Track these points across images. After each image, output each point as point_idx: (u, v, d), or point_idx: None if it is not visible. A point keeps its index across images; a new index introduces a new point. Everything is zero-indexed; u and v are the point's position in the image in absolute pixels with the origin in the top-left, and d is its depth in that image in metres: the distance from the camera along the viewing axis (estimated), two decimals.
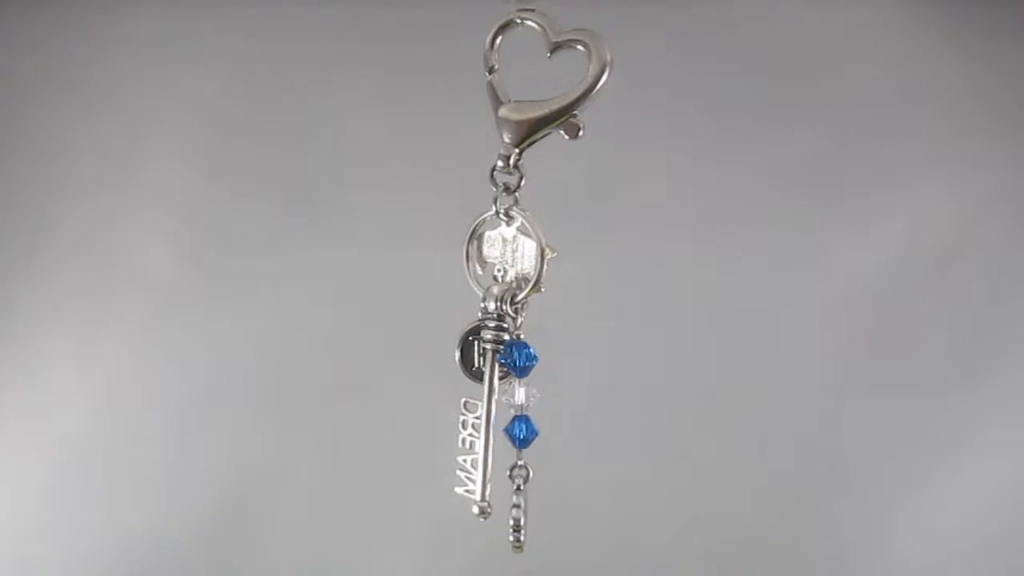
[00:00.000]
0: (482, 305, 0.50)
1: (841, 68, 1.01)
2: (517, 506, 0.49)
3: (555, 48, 0.49)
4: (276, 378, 1.02)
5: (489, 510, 0.49)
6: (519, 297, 0.50)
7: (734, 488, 1.01)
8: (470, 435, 0.50)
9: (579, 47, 0.48)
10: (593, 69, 0.48)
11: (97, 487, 1.01)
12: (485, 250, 0.51)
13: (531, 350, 0.49)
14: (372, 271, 1.01)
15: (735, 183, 1.01)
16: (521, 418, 0.50)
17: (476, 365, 0.51)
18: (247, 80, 1.02)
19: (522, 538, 0.49)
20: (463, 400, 0.50)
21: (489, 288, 0.50)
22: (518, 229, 0.51)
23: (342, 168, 1.02)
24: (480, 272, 0.51)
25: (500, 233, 0.51)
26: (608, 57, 0.47)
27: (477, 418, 0.49)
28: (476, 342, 0.50)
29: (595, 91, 0.47)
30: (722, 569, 1.01)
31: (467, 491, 0.49)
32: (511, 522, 0.49)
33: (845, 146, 1.01)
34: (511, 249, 0.51)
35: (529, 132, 0.49)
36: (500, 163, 0.49)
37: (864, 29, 1.01)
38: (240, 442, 1.02)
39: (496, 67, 0.48)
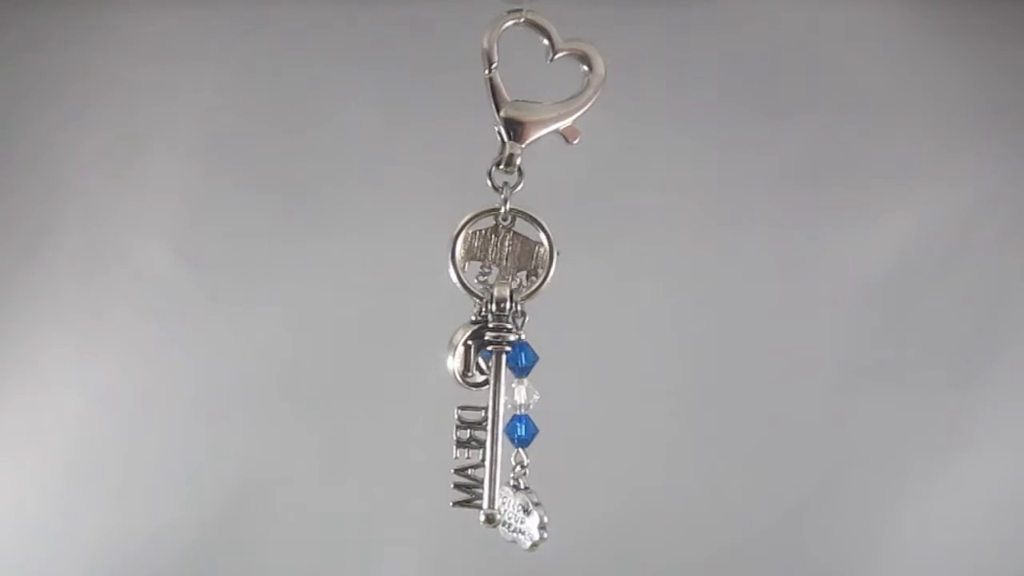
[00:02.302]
0: (486, 307, 0.49)
1: (842, 68, 1.01)
2: (539, 504, 0.49)
3: (557, 54, 0.49)
4: (276, 378, 1.01)
5: (499, 516, 0.48)
6: (524, 296, 0.50)
7: (734, 488, 1.01)
8: (470, 442, 0.49)
9: (583, 63, 0.49)
10: (595, 81, 0.49)
11: (97, 487, 1.01)
12: (473, 250, 0.50)
13: (531, 350, 0.49)
14: (372, 271, 1.01)
15: (735, 183, 1.01)
16: (521, 418, 0.50)
17: (471, 371, 0.50)
18: (247, 79, 1.02)
19: (546, 535, 0.48)
20: (459, 408, 0.49)
21: (491, 289, 0.49)
22: (515, 229, 0.50)
23: (342, 168, 1.02)
24: (464, 271, 0.50)
25: (490, 232, 0.50)
26: (605, 70, 0.48)
27: (478, 424, 0.49)
28: (471, 347, 0.49)
29: (594, 100, 0.49)
30: (722, 569, 1.01)
31: (464, 503, 0.49)
32: (537, 520, 0.48)
33: (845, 146, 1.01)
34: (501, 248, 0.50)
35: (535, 133, 0.49)
36: (504, 162, 0.49)
37: (864, 29, 1.01)
38: (240, 442, 1.01)
39: (496, 64, 0.48)
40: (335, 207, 1.02)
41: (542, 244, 0.50)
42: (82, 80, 1.01)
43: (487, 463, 0.48)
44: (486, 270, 0.50)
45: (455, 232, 0.50)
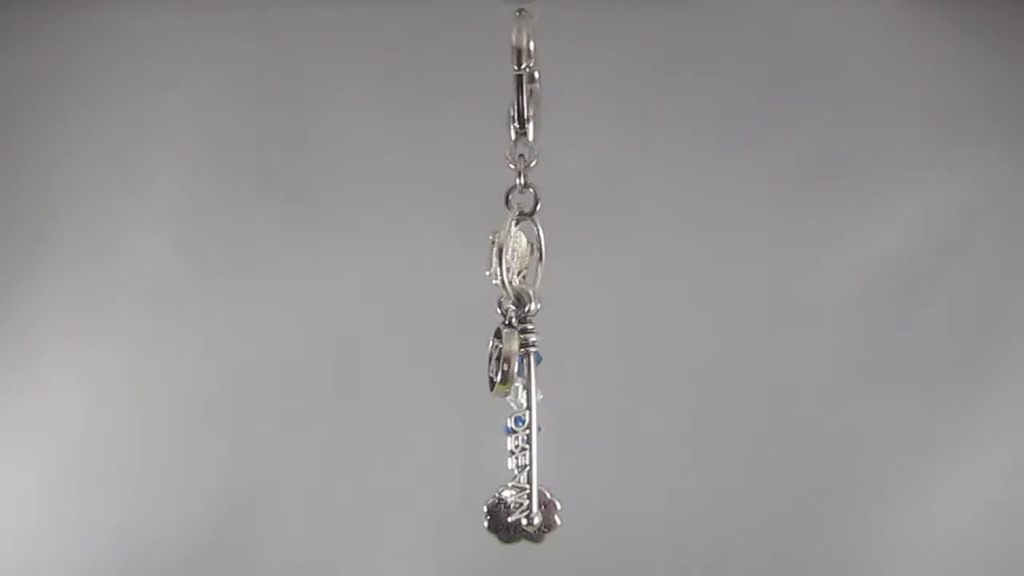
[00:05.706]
0: (523, 309, 0.49)
1: (841, 68, 1.02)
2: (552, 495, 0.50)
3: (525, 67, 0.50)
4: (277, 378, 1.01)
5: (537, 519, 0.49)
6: (536, 293, 0.50)
7: (734, 487, 1.01)
8: (520, 451, 0.49)
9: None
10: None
11: (97, 488, 1.00)
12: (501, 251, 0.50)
13: (537, 351, 0.50)
14: (374, 270, 1.01)
15: (735, 182, 1.01)
16: (522, 418, 0.50)
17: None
18: (247, 77, 1.02)
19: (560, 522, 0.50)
20: (512, 419, 0.49)
21: (525, 291, 0.49)
22: (519, 228, 0.51)
23: (344, 167, 1.02)
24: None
25: (508, 233, 0.50)
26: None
27: (527, 431, 0.49)
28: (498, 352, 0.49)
29: None
30: (722, 569, 1.01)
31: (522, 512, 0.49)
32: (554, 508, 0.49)
33: (845, 146, 1.01)
34: (511, 248, 0.50)
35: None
36: (534, 162, 0.49)
37: (864, 29, 1.01)
38: (241, 442, 1.01)
39: (526, 64, 0.48)
40: (336, 205, 1.02)
41: (533, 243, 0.51)
42: (82, 77, 1.01)
43: (530, 469, 0.48)
44: (497, 272, 0.50)
45: (502, 234, 0.49)
